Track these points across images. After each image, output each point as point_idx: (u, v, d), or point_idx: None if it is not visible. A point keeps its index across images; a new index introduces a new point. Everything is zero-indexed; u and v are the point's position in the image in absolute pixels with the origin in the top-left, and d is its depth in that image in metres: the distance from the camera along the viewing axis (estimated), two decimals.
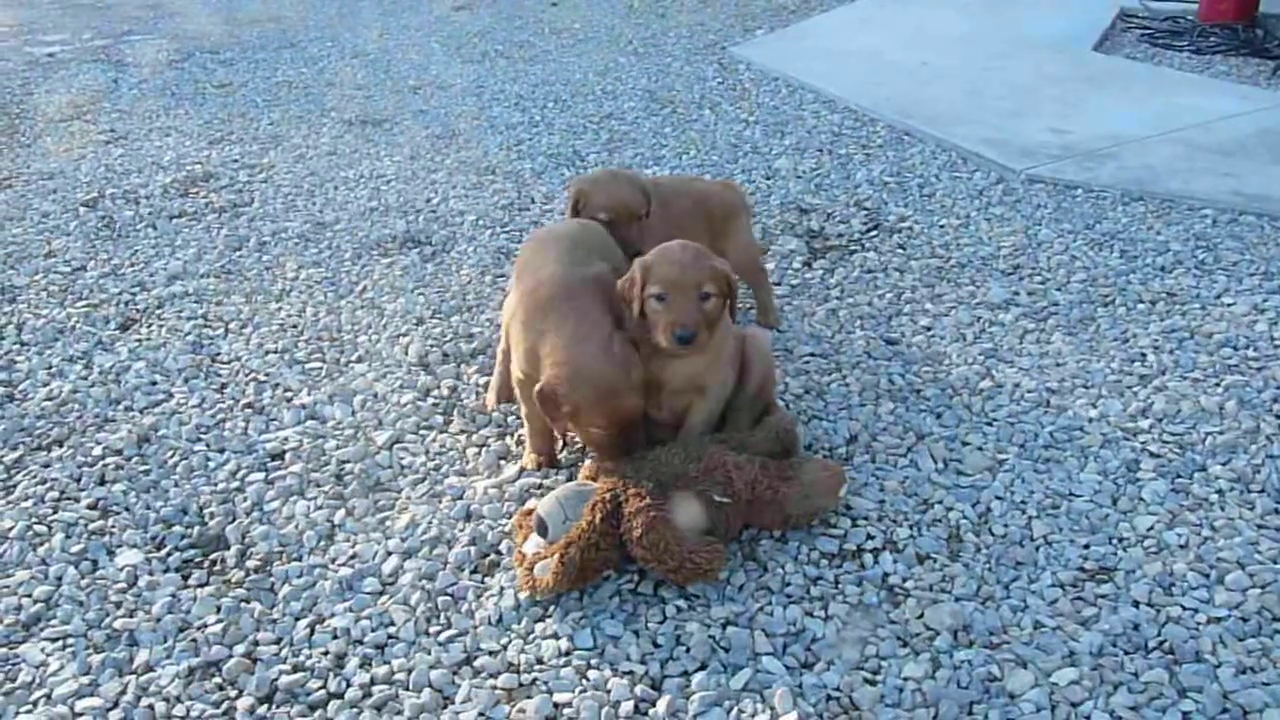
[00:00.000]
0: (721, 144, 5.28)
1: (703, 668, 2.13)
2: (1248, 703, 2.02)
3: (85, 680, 2.14)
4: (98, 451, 2.88)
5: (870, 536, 2.48)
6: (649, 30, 7.87)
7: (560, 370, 2.47)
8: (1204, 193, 4.44)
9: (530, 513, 2.44)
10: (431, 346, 3.37)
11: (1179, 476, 2.68)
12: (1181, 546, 2.43)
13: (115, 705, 2.09)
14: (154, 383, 3.22)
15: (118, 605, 2.34)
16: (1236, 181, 4.53)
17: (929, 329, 3.43)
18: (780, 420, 2.68)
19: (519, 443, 2.86)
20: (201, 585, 2.40)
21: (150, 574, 2.43)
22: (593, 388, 2.45)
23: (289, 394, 3.15)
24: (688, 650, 2.16)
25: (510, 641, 2.21)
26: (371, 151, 5.33)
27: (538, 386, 2.50)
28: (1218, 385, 3.06)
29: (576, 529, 2.29)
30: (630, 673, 2.12)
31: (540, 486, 2.66)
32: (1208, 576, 2.34)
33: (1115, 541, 2.46)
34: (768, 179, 4.79)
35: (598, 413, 2.47)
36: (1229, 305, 3.52)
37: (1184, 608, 2.25)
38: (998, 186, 4.64)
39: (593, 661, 2.15)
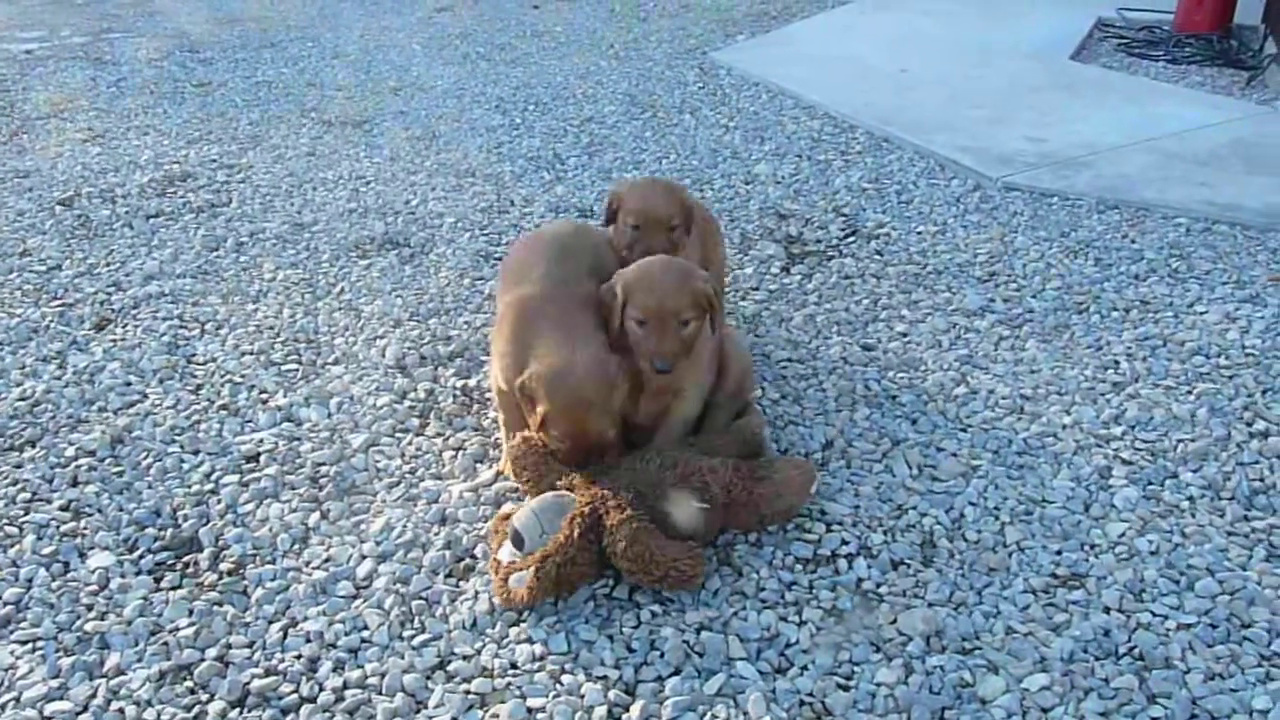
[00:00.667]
0: (701, 149, 5.29)
1: (676, 673, 2.13)
2: (1216, 709, 2.04)
3: (55, 683, 2.12)
4: (70, 452, 2.86)
5: (845, 542, 2.49)
6: (630, 34, 7.88)
7: (543, 369, 2.49)
8: (1178, 202, 4.48)
9: (507, 518, 2.44)
10: (409, 349, 3.36)
11: (1150, 483, 2.70)
12: (1152, 553, 2.45)
13: (85, 709, 2.07)
14: (128, 383, 3.20)
15: (89, 608, 2.33)
16: (1210, 191, 4.57)
17: (905, 335, 3.44)
18: (749, 424, 2.70)
19: (495, 446, 2.85)
20: (174, 588, 2.39)
21: (122, 576, 2.41)
22: (568, 396, 2.46)
23: (264, 396, 3.13)
24: (662, 655, 2.16)
25: (484, 646, 2.21)
26: (351, 153, 5.32)
27: (520, 378, 2.53)
28: (1190, 393, 3.09)
29: (554, 542, 2.28)
30: (604, 677, 2.12)
31: (517, 491, 2.66)
32: (1178, 583, 2.36)
33: (1087, 548, 2.48)
34: (747, 184, 4.81)
35: (565, 421, 2.48)
36: (1201, 314, 3.55)
37: (1154, 614, 2.27)
38: (975, 194, 4.66)
39: (567, 666, 2.15)
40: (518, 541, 2.32)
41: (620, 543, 2.26)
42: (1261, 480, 2.71)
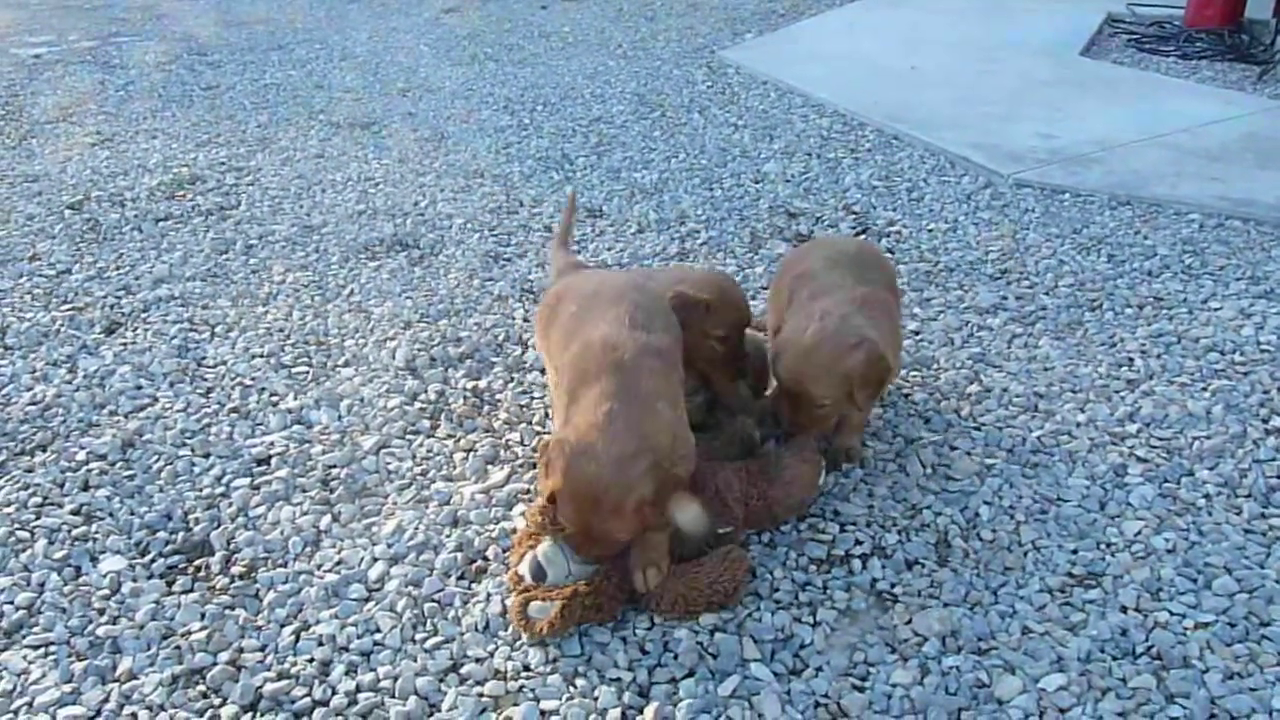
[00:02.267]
0: (710, 148, 5.27)
1: (690, 675, 2.11)
2: (1235, 708, 2.02)
3: (68, 688, 2.12)
4: (82, 456, 2.86)
5: (859, 542, 2.47)
6: (638, 34, 7.87)
7: (569, 439, 2.18)
8: (1190, 197, 4.45)
9: (531, 536, 2.37)
10: (419, 351, 3.35)
11: (1166, 481, 2.68)
12: (1169, 551, 2.43)
13: (98, 713, 2.07)
14: (139, 387, 3.20)
15: (101, 612, 2.32)
16: (1223, 186, 4.55)
17: (917, 333, 3.42)
18: (745, 422, 2.68)
19: (507, 448, 2.84)
20: (186, 592, 2.38)
21: (134, 580, 2.41)
22: (580, 483, 2.14)
23: (275, 398, 3.13)
24: (675, 657, 2.15)
25: (497, 648, 2.19)
26: (360, 154, 5.32)
27: (548, 438, 2.28)
28: (1205, 390, 3.07)
29: (585, 585, 2.22)
30: (617, 680, 2.10)
31: (528, 493, 2.65)
32: (1195, 581, 2.34)
33: (1103, 546, 2.46)
34: (756, 183, 4.79)
35: (571, 509, 2.16)
36: (1216, 310, 3.52)
37: (1172, 613, 2.25)
38: (986, 191, 4.64)
39: (580, 669, 2.14)
40: (539, 574, 2.25)
41: (655, 602, 2.24)
42: (1278, 477, 2.69)
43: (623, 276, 2.69)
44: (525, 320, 3.54)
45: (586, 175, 4.95)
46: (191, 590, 2.39)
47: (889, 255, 3.99)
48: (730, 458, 2.56)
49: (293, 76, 6.85)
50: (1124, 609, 2.27)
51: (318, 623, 2.28)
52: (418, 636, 2.23)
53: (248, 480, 2.75)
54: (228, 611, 2.31)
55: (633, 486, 2.11)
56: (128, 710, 2.07)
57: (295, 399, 3.12)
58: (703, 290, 2.65)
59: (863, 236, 4.17)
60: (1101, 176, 4.72)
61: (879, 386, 2.53)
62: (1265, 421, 2.92)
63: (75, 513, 2.64)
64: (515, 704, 2.06)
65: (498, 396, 3.10)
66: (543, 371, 3.07)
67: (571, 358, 2.35)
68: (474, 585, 2.37)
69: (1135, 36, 7.38)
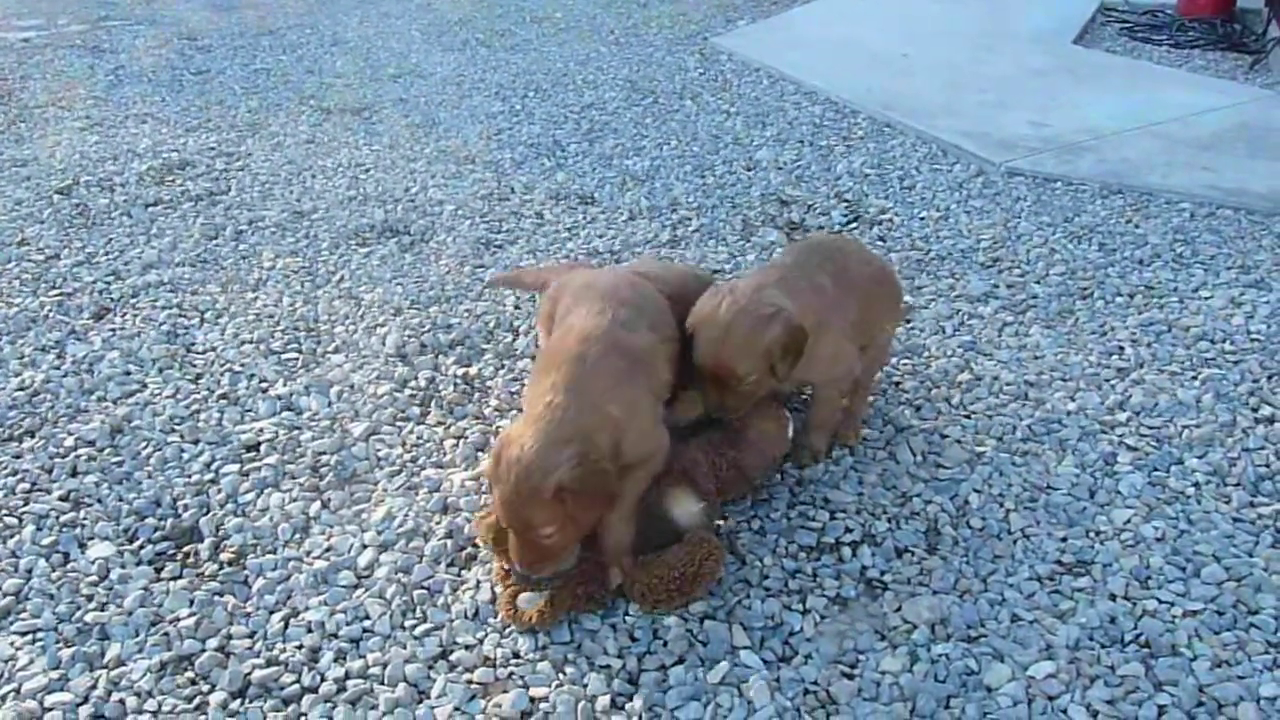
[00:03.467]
0: (703, 135, 5.26)
1: (680, 662, 2.12)
2: (1223, 696, 2.03)
3: (55, 675, 2.11)
4: (70, 442, 2.84)
5: (849, 530, 2.47)
6: (630, 20, 7.85)
7: (511, 429, 2.19)
8: (1182, 186, 4.45)
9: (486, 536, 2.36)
10: (409, 337, 3.34)
11: (1156, 469, 2.69)
12: (1158, 539, 2.44)
13: (85, 700, 2.06)
14: (128, 373, 3.18)
15: (89, 598, 2.31)
16: (1214, 175, 4.55)
17: (908, 321, 3.42)
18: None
19: (497, 435, 2.84)
20: (174, 578, 2.37)
21: (122, 567, 2.40)
22: (504, 465, 2.11)
23: (264, 385, 3.12)
24: (665, 644, 2.15)
25: (486, 635, 2.19)
26: (350, 140, 5.29)
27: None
28: (1195, 378, 3.07)
29: (574, 576, 2.22)
30: (607, 667, 2.10)
31: None
32: (1184, 570, 2.35)
33: (1092, 534, 2.46)
34: (749, 170, 4.78)
35: (496, 495, 2.15)
36: (1206, 299, 3.53)
37: (1160, 601, 2.26)
38: (977, 179, 4.64)
39: (569, 656, 2.14)
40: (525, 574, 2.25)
41: (629, 595, 2.24)
42: (1267, 466, 2.70)
43: (619, 273, 2.68)
44: (516, 307, 3.53)
45: (578, 162, 4.93)
46: (180, 577, 2.38)
47: (880, 243, 3.99)
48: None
49: (283, 62, 6.81)
50: (1113, 597, 2.27)
51: (307, 609, 2.27)
52: (407, 623, 2.23)
53: (237, 467, 2.74)
54: (216, 598, 2.30)
55: (550, 470, 2.06)
56: (116, 697, 2.06)
57: (285, 385, 3.10)
58: (665, 285, 2.64)
59: (853, 225, 4.17)
60: (1093, 165, 4.72)
61: (798, 356, 2.43)
62: (1255, 410, 2.92)
63: (63, 499, 2.63)
64: (504, 691, 2.06)
65: (488, 383, 3.10)
66: (534, 359, 3.07)
67: (549, 343, 2.38)
68: (464, 572, 2.37)
69: (1128, 25, 7.38)
